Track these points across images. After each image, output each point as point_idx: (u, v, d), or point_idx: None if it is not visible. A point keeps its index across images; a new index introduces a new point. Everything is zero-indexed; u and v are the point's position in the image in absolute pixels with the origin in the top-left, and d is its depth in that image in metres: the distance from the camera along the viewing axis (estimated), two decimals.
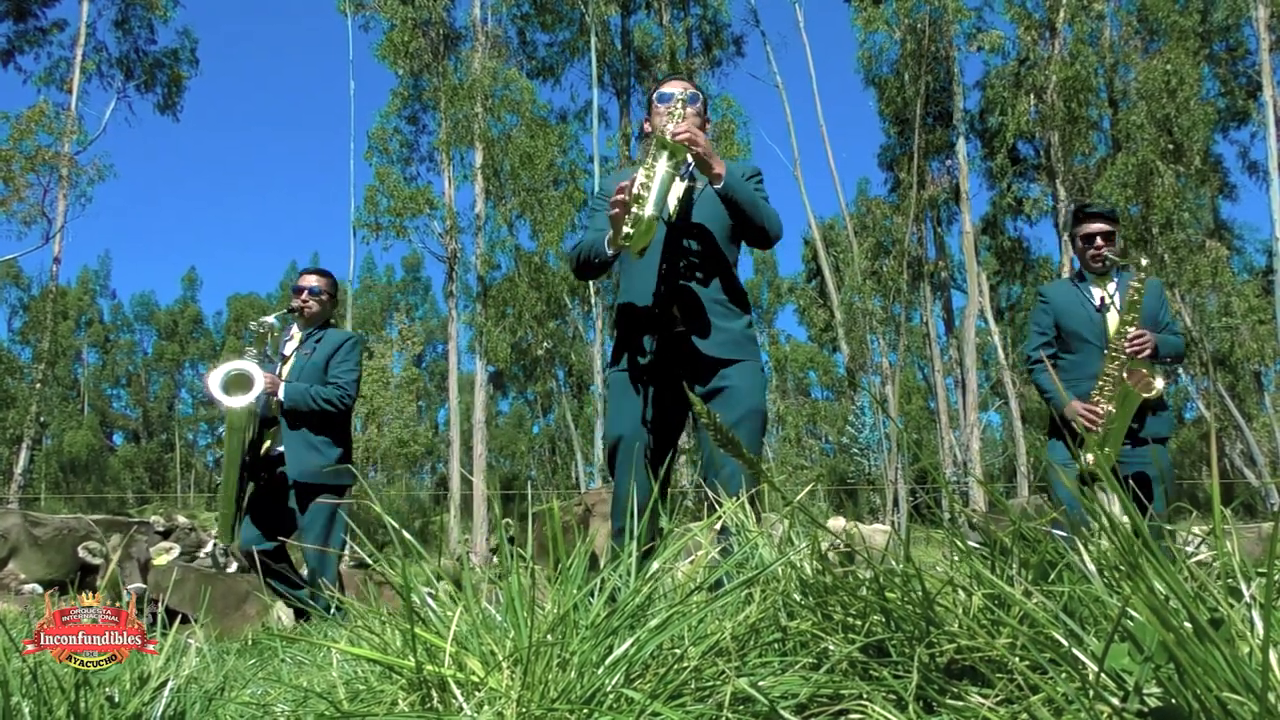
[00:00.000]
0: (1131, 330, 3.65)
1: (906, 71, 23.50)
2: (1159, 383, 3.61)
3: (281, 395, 3.99)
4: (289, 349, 4.11)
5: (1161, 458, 3.74)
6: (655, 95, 2.94)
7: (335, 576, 4.07)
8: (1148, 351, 3.63)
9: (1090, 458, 3.66)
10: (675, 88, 2.91)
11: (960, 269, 25.50)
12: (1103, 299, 3.83)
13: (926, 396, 34.78)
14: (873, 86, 24.61)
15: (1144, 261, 3.72)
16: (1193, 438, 36.45)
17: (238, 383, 3.84)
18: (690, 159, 2.64)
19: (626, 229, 2.53)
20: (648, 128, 2.99)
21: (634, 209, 2.53)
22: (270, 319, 4.10)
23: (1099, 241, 3.83)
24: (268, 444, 4.02)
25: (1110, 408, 3.65)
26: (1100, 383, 3.69)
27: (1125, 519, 0.90)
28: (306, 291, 4.18)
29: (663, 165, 2.56)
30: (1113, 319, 3.76)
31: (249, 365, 3.87)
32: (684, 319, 2.71)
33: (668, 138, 2.55)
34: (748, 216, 2.76)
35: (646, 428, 2.73)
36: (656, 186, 2.54)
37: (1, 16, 22.25)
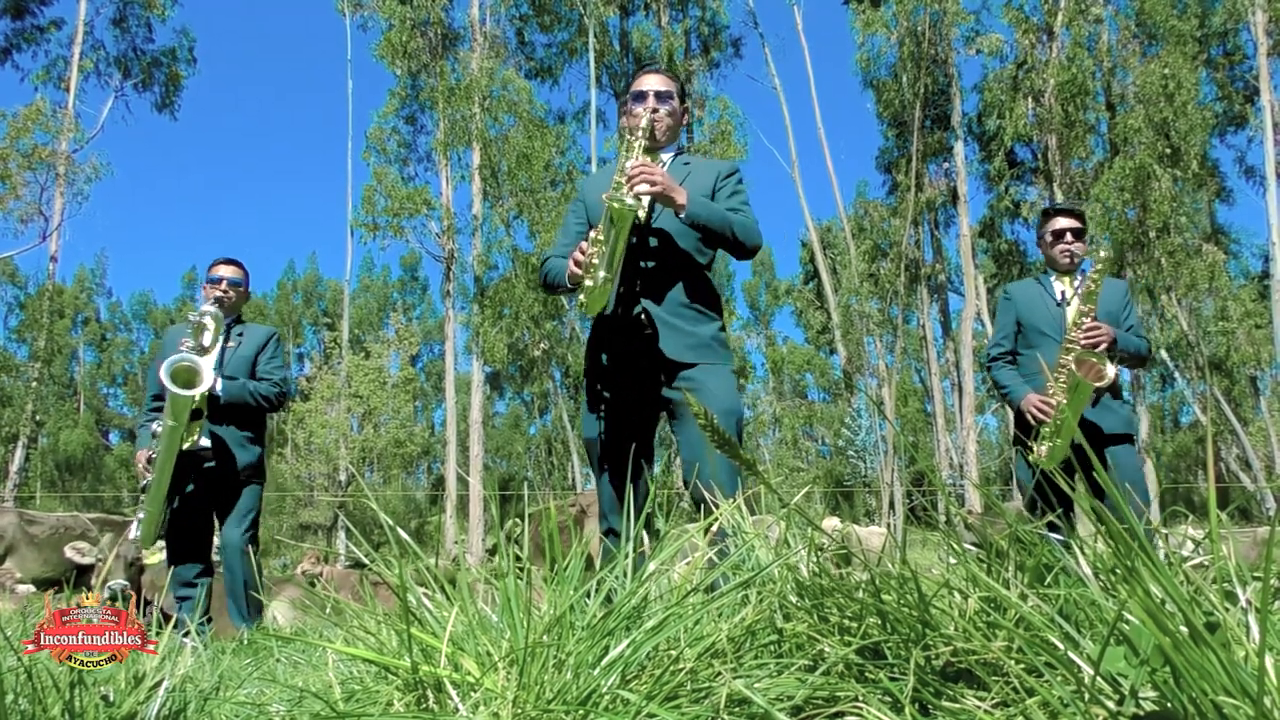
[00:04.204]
0: (1087, 321, 3.61)
1: (905, 74, 23.52)
2: (1110, 370, 3.53)
3: (220, 390, 3.93)
4: (207, 340, 3.96)
5: (1127, 458, 3.68)
6: (630, 93, 2.90)
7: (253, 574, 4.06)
8: (1104, 343, 3.57)
9: (1044, 449, 3.64)
10: (649, 83, 2.87)
11: (957, 272, 25.55)
12: (1063, 293, 3.82)
13: (923, 399, 34.77)
14: (871, 89, 24.64)
15: (1103, 253, 3.69)
16: (1189, 442, 36.49)
17: (180, 376, 3.72)
18: (645, 206, 2.61)
19: (581, 296, 2.61)
20: (623, 124, 2.94)
21: (587, 280, 2.57)
22: (213, 309, 3.95)
23: (1069, 237, 3.81)
24: (192, 438, 3.89)
25: (1062, 399, 3.60)
26: (1055, 374, 3.65)
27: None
28: (226, 282, 4.15)
29: (611, 228, 2.56)
30: (1072, 312, 3.74)
31: (195, 358, 3.75)
32: (648, 323, 2.70)
33: (615, 204, 2.50)
34: (718, 236, 2.74)
35: (601, 433, 2.75)
36: (607, 250, 2.56)
37: None
